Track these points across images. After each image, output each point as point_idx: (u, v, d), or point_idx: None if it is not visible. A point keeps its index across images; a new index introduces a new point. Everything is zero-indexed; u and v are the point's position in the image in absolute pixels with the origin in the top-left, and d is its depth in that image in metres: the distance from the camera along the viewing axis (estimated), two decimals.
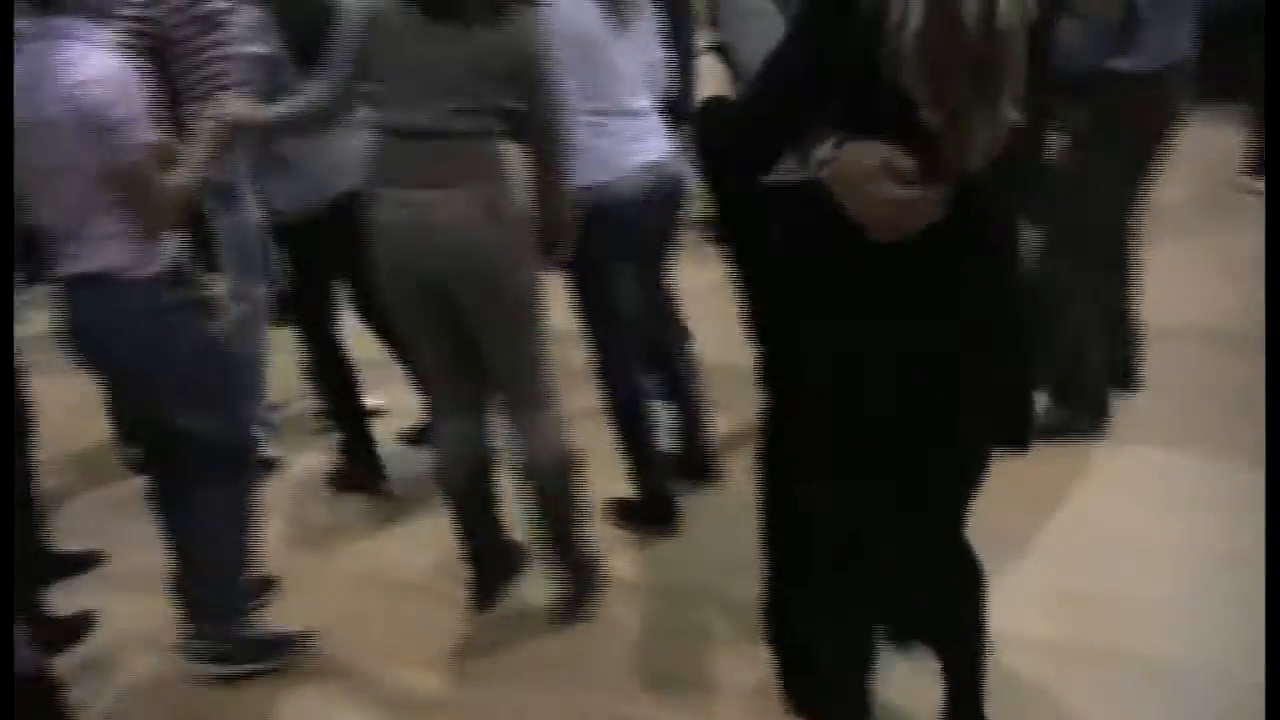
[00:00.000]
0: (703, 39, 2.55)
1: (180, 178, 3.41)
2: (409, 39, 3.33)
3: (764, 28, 2.63)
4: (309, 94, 3.60)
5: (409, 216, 3.43)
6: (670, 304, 4.41)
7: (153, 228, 3.36)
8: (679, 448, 4.56)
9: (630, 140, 3.89)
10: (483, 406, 3.82)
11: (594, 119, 3.81)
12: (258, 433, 4.76)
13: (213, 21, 4.63)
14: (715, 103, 2.55)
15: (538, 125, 3.46)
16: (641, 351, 4.26)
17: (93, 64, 3.13)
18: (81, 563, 4.73)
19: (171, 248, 3.47)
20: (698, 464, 4.59)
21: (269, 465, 5.10)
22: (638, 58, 3.93)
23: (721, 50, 2.51)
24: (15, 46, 3.20)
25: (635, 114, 3.89)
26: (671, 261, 4.32)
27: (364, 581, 4.35)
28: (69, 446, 4.38)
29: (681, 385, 4.48)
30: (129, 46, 3.92)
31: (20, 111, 3.16)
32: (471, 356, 3.68)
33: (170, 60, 4.54)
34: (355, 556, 4.55)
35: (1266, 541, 2.40)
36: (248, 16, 4.37)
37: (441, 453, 3.84)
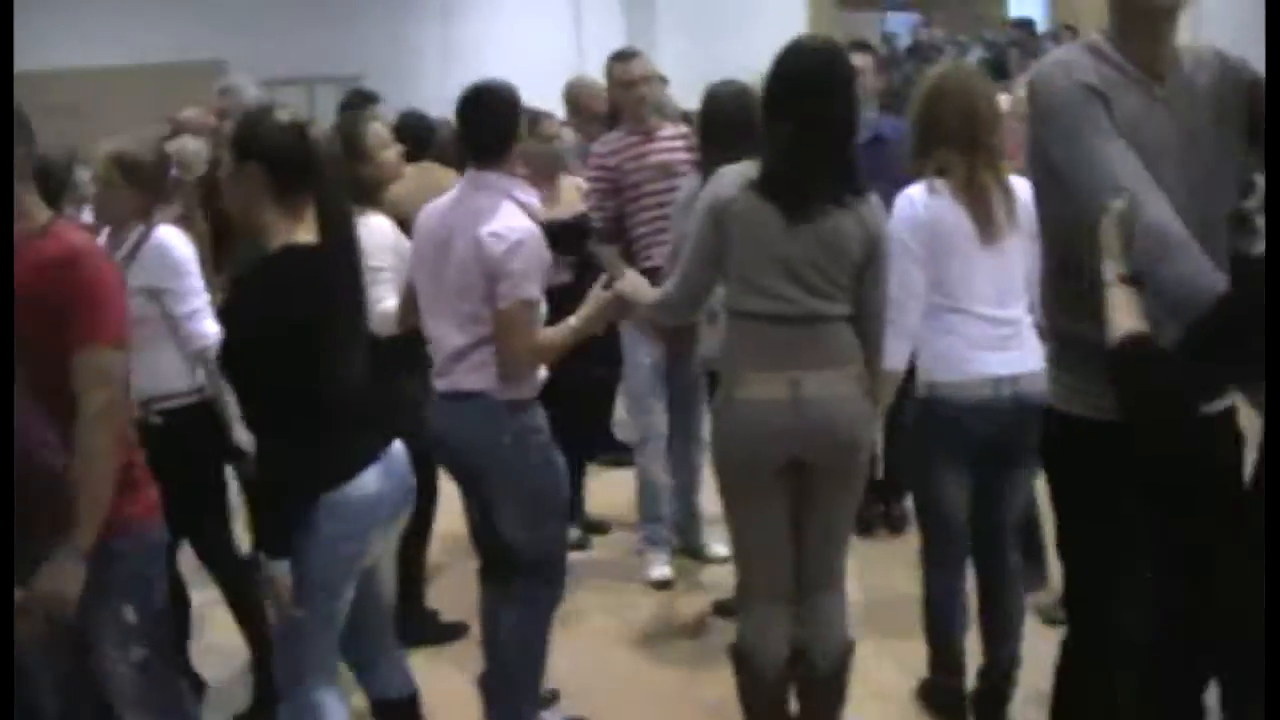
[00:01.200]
0: (1109, 268, 2.53)
1: (557, 334, 3.98)
2: (766, 231, 3.60)
3: (1192, 253, 2.58)
4: (673, 284, 3.91)
5: (788, 392, 3.61)
6: (1006, 532, 4.24)
7: (513, 368, 3.90)
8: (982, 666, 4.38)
9: (978, 347, 3.92)
10: (794, 596, 3.90)
11: (944, 316, 3.92)
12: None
13: (668, 170, 5.60)
14: (1138, 340, 2.43)
15: (865, 305, 3.69)
16: (962, 553, 4.26)
17: (503, 220, 3.81)
18: (448, 632, 5.26)
19: (540, 378, 4.04)
20: (994, 684, 4.34)
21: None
22: (1014, 267, 3.93)
23: (1135, 280, 2.48)
24: (460, 194, 3.99)
25: (994, 321, 3.94)
26: (1023, 483, 4.21)
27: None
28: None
29: (1000, 622, 4.27)
30: (591, 182, 5.66)
31: (444, 239, 3.91)
32: (790, 541, 3.83)
33: (625, 200, 5.63)
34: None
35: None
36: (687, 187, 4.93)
37: (754, 637, 3.90)
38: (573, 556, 6.05)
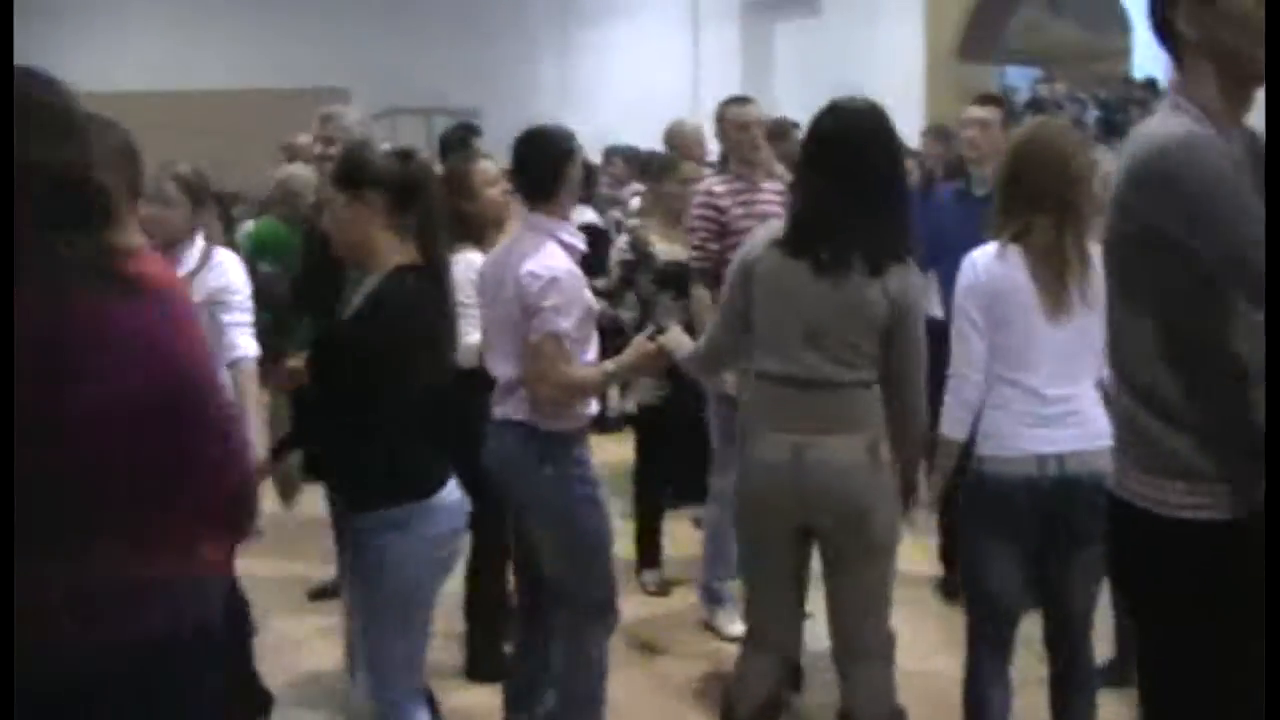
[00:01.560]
0: None
1: (591, 373, 4.09)
2: (788, 290, 3.60)
3: None
4: (702, 340, 3.99)
5: (790, 457, 3.60)
6: (1074, 621, 3.99)
7: (543, 403, 4.00)
8: None
9: (1032, 423, 3.74)
10: (794, 654, 3.98)
11: (997, 387, 3.78)
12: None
13: (758, 214, 5.52)
14: None
15: (892, 372, 3.63)
16: (1006, 637, 4.03)
17: (543, 259, 3.97)
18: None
19: (588, 413, 4.15)
20: None
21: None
22: (1079, 342, 3.73)
23: None
24: (515, 236, 4.17)
25: (1047, 399, 3.74)
26: (1089, 570, 3.86)
27: None
28: None
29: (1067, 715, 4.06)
30: (698, 221, 5.65)
31: (499, 278, 4.07)
32: (793, 602, 3.87)
33: (726, 246, 5.46)
34: None
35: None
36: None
37: (743, 681, 3.94)
38: (650, 601, 6.18)
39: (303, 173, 6.99)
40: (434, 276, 3.46)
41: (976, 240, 3.91)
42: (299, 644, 5.32)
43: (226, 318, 4.55)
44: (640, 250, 6.16)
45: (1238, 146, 2.54)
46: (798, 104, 16.62)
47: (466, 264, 4.52)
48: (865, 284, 3.54)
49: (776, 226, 3.74)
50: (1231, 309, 2.50)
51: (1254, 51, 2.44)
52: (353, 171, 3.45)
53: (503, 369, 4.14)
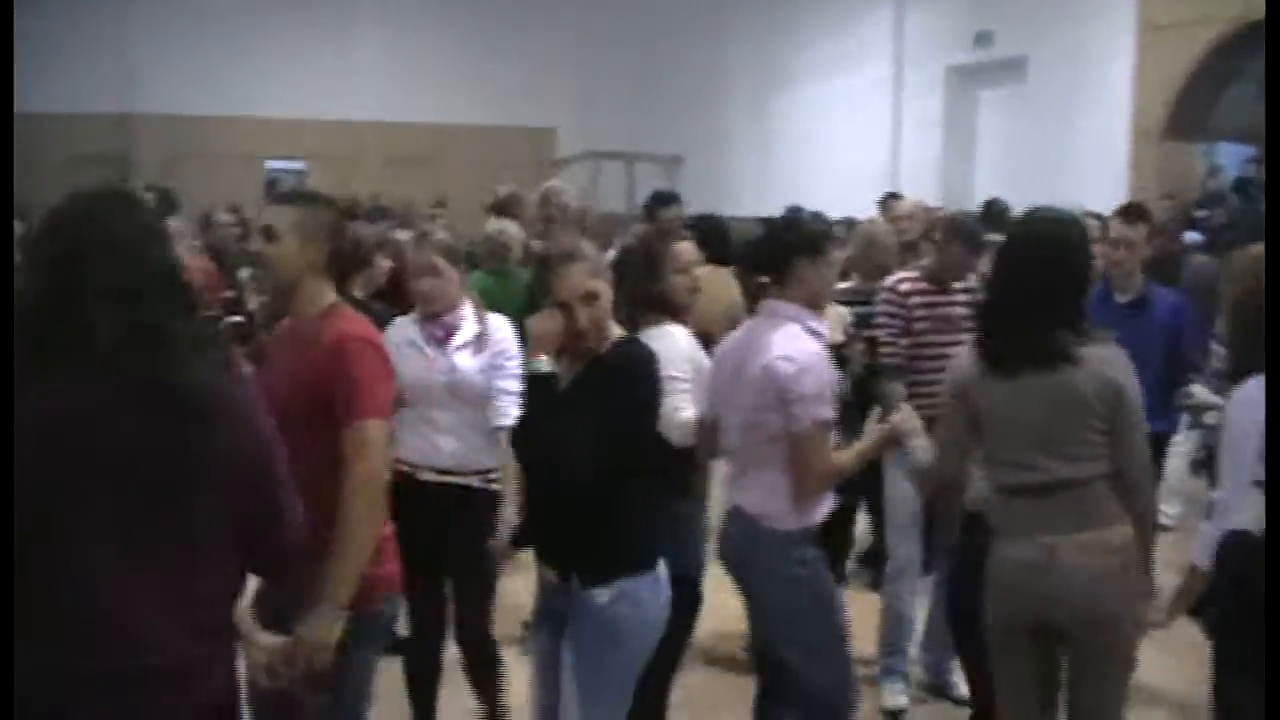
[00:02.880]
0: None
1: (844, 457, 4.15)
2: (992, 399, 3.67)
3: None
4: (934, 457, 4.01)
5: (1043, 556, 3.64)
6: None
7: (809, 489, 4.05)
8: None
9: None
10: None
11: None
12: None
13: (953, 324, 5.65)
14: None
15: (1120, 461, 3.62)
16: None
17: (793, 345, 4.00)
18: None
19: (825, 509, 4.19)
20: None
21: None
22: None
23: None
24: (754, 323, 4.27)
25: None
26: None
27: None
28: None
29: None
30: (887, 320, 5.76)
31: (739, 365, 4.14)
32: (1051, 703, 3.85)
33: (911, 344, 5.71)
34: None
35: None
36: None
37: None
38: None
39: (510, 228, 7.29)
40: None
41: (1131, 348, 3.93)
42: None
43: (500, 383, 4.73)
44: None
45: None
46: (999, 176, 16.64)
47: (669, 337, 4.56)
48: (1069, 373, 3.56)
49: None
50: None
51: None
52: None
53: (741, 453, 4.19)
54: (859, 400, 5.36)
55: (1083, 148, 15.13)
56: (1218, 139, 16.41)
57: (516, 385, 4.60)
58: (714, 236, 7.16)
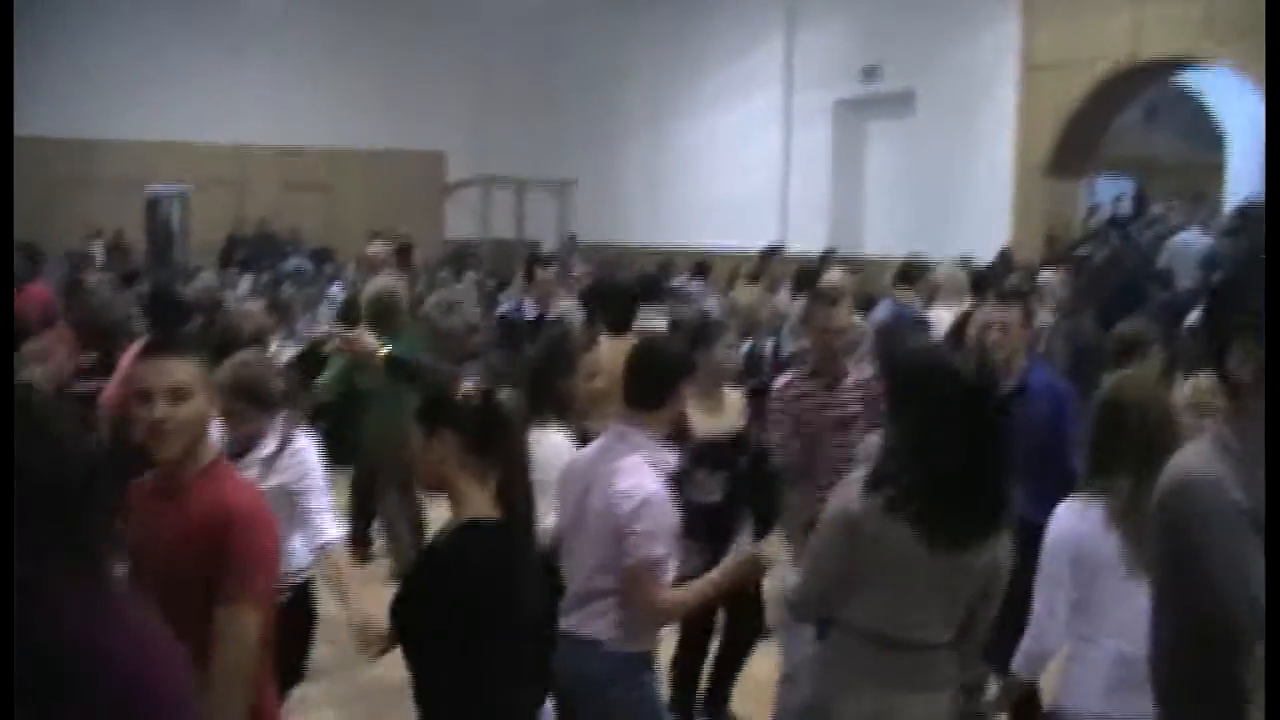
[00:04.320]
0: None
1: (687, 593, 4.01)
2: (899, 553, 3.42)
3: None
4: (801, 585, 3.75)
5: (875, 715, 3.52)
6: None
7: (642, 624, 3.96)
8: None
9: (1111, 685, 3.64)
10: None
11: (1080, 644, 3.71)
12: None
13: (845, 425, 5.40)
14: None
15: (968, 631, 3.56)
16: None
17: (634, 479, 3.91)
18: None
19: (660, 634, 4.09)
20: None
21: None
22: None
23: None
24: (603, 444, 4.08)
25: (1132, 661, 3.39)
26: None
27: None
28: None
29: None
30: (776, 422, 5.40)
31: (585, 488, 4.02)
32: None
33: (806, 443, 5.39)
34: None
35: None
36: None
37: None
38: None
39: (392, 285, 7.25)
40: (509, 531, 3.26)
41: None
42: None
43: (311, 503, 4.53)
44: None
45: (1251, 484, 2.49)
46: (887, 208, 16.82)
47: (551, 445, 4.48)
48: (986, 549, 3.43)
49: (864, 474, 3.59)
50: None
51: None
52: (431, 410, 3.28)
53: (578, 578, 4.08)
54: (745, 499, 5.20)
55: (969, 182, 15.37)
56: (1103, 171, 16.76)
57: (326, 499, 4.51)
58: (618, 304, 6.97)
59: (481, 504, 3.24)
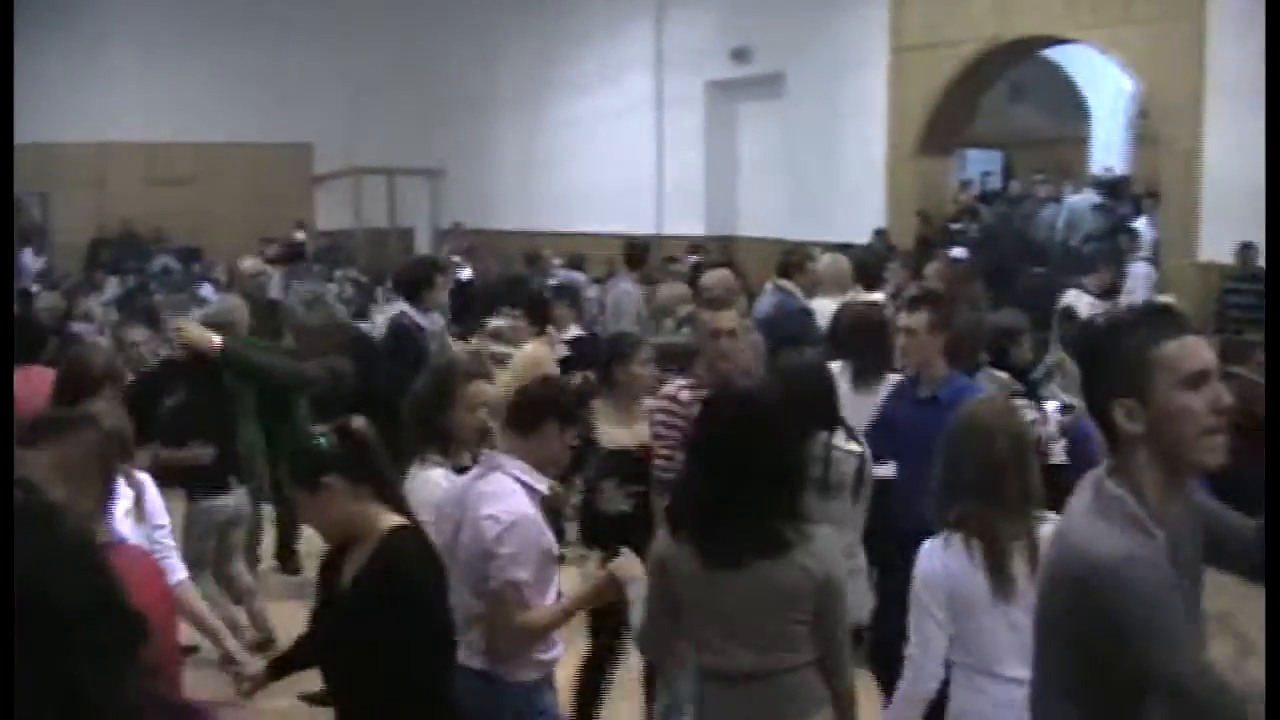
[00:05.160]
0: None
1: (547, 615, 3.98)
2: (697, 583, 3.42)
3: None
4: (644, 620, 3.72)
5: None
6: None
7: (501, 649, 3.93)
8: None
9: (1001, 708, 3.60)
10: None
11: (968, 674, 3.68)
12: None
13: None
14: None
15: (821, 652, 3.48)
16: None
17: (502, 503, 3.89)
18: None
19: (551, 656, 4.06)
20: None
21: None
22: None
23: None
24: (476, 473, 4.06)
25: (1018, 682, 3.42)
26: None
27: None
28: None
29: None
30: (661, 429, 5.21)
31: (458, 517, 3.98)
32: None
33: None
34: None
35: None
36: None
37: None
38: None
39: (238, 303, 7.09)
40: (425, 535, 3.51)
41: (920, 445, 3.98)
42: None
43: (167, 542, 4.45)
44: (584, 435, 5.45)
45: (1165, 543, 2.52)
46: (762, 190, 16.86)
47: (429, 483, 4.33)
48: (777, 566, 3.38)
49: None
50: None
51: (1192, 444, 2.47)
52: (305, 468, 3.44)
53: (460, 608, 3.95)
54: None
55: (842, 163, 15.46)
56: (970, 146, 17.00)
57: (172, 544, 4.46)
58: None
59: (390, 516, 3.42)
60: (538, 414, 4.09)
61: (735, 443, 3.45)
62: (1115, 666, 2.49)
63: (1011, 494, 3.63)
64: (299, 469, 3.46)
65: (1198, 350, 2.51)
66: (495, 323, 8.56)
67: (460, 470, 4.45)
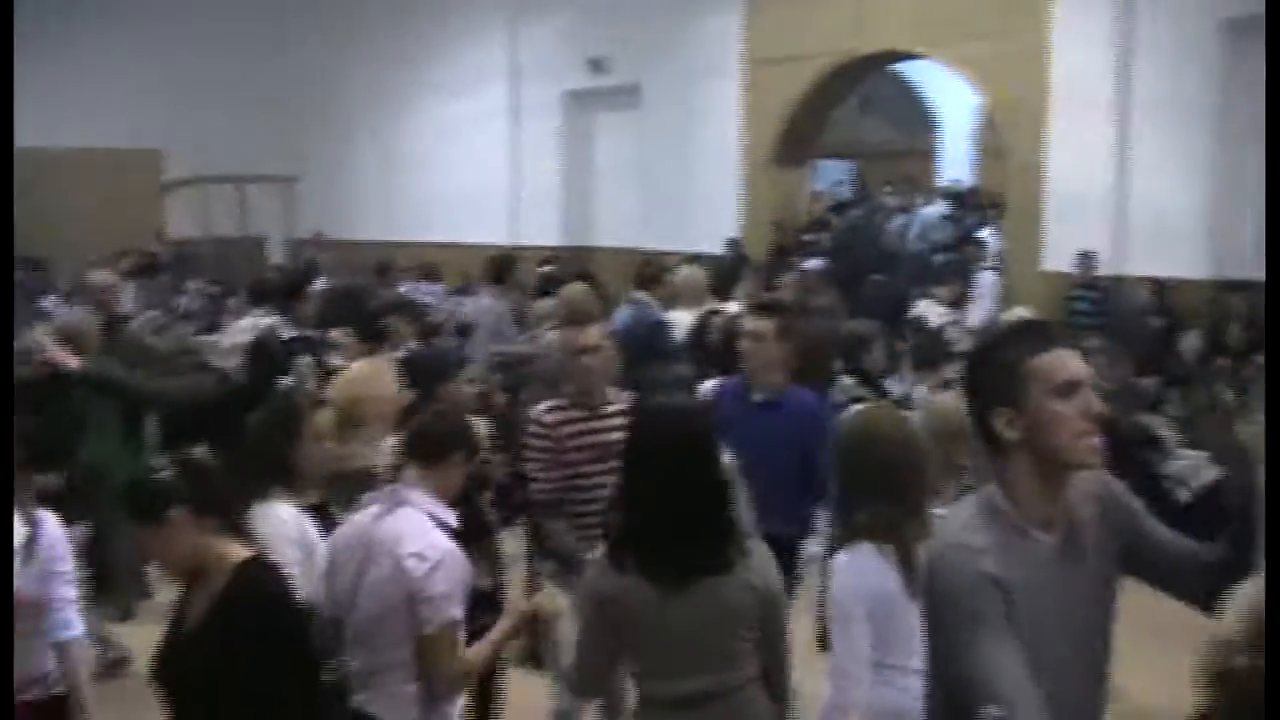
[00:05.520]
0: None
1: (480, 651, 3.86)
2: (645, 609, 3.41)
3: None
4: (574, 665, 3.69)
5: None
6: None
7: (440, 694, 3.78)
8: None
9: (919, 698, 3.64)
10: None
11: (886, 672, 3.69)
12: None
13: (609, 452, 4.85)
14: None
15: (766, 666, 3.53)
16: None
17: (424, 540, 3.73)
18: None
19: (455, 711, 3.91)
20: None
21: None
22: None
23: None
24: (380, 509, 3.85)
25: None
26: None
27: None
28: None
29: None
30: (536, 454, 5.06)
31: (363, 557, 3.78)
32: None
33: (566, 475, 5.07)
34: None
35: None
36: None
37: None
38: None
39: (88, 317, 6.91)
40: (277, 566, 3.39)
41: (758, 448, 4.10)
42: None
43: (58, 592, 4.12)
44: None
45: (1032, 550, 2.69)
46: (619, 202, 16.90)
47: (277, 520, 4.07)
48: (723, 584, 3.42)
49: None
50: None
51: (1066, 448, 2.65)
52: (144, 503, 3.32)
53: (365, 654, 3.83)
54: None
55: (698, 174, 15.58)
56: (822, 156, 17.24)
57: (75, 592, 4.16)
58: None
59: (239, 549, 3.32)
60: (445, 445, 3.96)
61: (679, 461, 3.46)
62: (936, 648, 2.69)
63: (913, 495, 3.74)
64: (139, 503, 3.33)
65: (1068, 361, 2.69)
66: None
67: (313, 509, 4.25)
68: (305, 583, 3.95)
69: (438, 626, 3.69)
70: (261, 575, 3.32)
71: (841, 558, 3.73)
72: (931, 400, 5.11)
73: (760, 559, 3.53)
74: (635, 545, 3.45)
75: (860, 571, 3.67)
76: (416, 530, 3.78)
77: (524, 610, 3.98)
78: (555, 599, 4.04)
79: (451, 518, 3.91)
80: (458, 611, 3.74)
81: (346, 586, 3.84)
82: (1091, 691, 2.82)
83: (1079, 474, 2.78)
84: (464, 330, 10.35)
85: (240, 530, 3.39)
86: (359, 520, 3.96)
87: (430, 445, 3.96)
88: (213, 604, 3.28)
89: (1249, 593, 2.30)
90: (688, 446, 3.50)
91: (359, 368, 5.62)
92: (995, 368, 2.74)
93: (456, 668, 3.77)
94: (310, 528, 4.16)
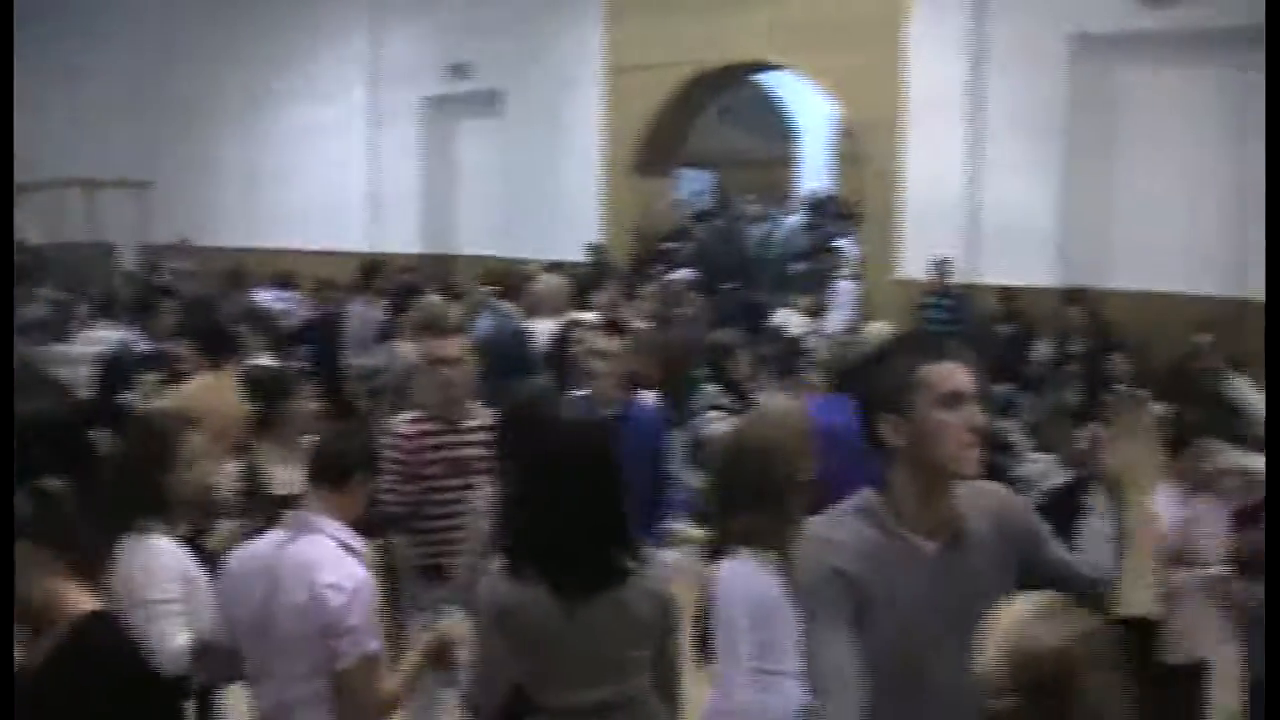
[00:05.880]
0: None
1: (399, 680, 3.71)
2: (546, 620, 3.40)
3: None
4: (472, 680, 3.71)
5: None
6: None
7: None
8: None
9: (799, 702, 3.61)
10: None
11: (765, 677, 3.69)
12: None
13: (466, 467, 4.92)
14: None
15: (660, 674, 3.55)
16: None
17: (340, 570, 3.56)
18: None
19: None
20: None
21: None
22: None
23: None
24: (285, 537, 3.65)
25: None
26: None
27: None
28: None
29: None
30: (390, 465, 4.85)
31: (269, 586, 3.57)
32: None
33: (420, 489, 4.96)
34: None
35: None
36: None
37: None
38: None
39: None
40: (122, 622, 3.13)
41: None
42: None
43: None
44: (254, 481, 5.12)
45: (905, 554, 2.77)
46: (480, 205, 16.82)
47: (154, 554, 3.89)
48: (625, 591, 3.44)
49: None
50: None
51: (948, 456, 2.73)
52: None
53: (273, 688, 3.68)
54: None
55: (560, 181, 15.60)
56: (683, 165, 17.35)
57: None
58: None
59: (83, 598, 3.04)
60: (348, 466, 3.78)
61: (586, 471, 3.49)
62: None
63: (791, 503, 3.77)
64: None
65: (954, 373, 2.78)
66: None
67: (189, 540, 4.08)
68: (191, 619, 3.81)
69: (355, 660, 3.53)
70: (100, 634, 3.04)
71: (725, 566, 3.75)
72: (765, 406, 5.18)
73: (658, 567, 3.59)
74: (538, 556, 3.43)
75: (744, 580, 3.70)
76: (330, 558, 3.59)
77: (430, 640, 3.86)
78: (461, 625, 3.92)
79: (360, 544, 3.74)
80: (375, 644, 3.59)
81: (250, 618, 3.65)
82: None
83: (981, 488, 2.89)
84: (314, 337, 10.18)
85: (91, 574, 3.12)
86: (258, 548, 3.75)
87: (333, 466, 3.76)
88: (48, 659, 3.01)
89: (1006, 627, 2.40)
90: (595, 457, 3.54)
91: (198, 382, 5.44)
92: (885, 375, 2.82)
93: (378, 700, 3.63)
94: (189, 560, 3.97)
